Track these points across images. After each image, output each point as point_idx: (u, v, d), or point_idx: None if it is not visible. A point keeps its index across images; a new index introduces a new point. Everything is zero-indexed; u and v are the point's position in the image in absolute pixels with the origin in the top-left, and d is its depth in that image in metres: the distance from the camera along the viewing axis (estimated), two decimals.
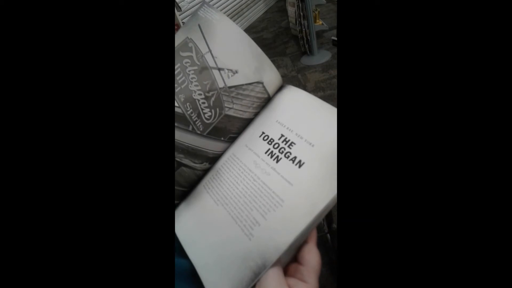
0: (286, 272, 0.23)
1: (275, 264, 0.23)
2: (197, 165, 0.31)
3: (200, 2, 2.73)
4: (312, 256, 0.23)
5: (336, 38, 1.05)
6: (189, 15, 2.55)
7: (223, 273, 0.24)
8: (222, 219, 0.27)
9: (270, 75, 0.31)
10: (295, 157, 0.27)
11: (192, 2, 2.56)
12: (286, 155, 0.28)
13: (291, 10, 2.50)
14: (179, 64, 0.29)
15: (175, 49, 0.30)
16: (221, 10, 3.02)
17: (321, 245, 1.12)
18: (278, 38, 2.99)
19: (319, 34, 2.55)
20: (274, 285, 0.21)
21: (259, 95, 0.31)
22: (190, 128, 0.29)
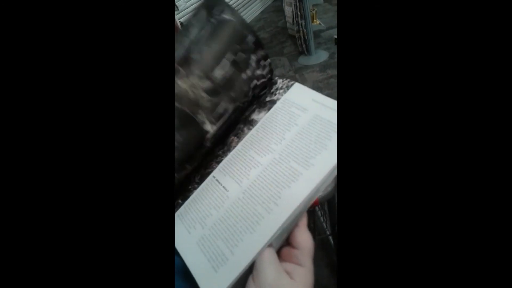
0: (280, 256, 0.23)
1: (268, 248, 0.22)
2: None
3: (198, 1, 2.71)
4: (305, 239, 0.23)
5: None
6: (187, 14, 2.53)
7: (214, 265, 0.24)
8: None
9: None
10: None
11: (189, 1, 2.54)
12: None
13: (288, 10, 2.50)
14: None
15: None
16: None
17: (321, 246, 1.12)
18: (275, 38, 2.98)
19: (317, 34, 2.54)
20: (271, 272, 0.21)
21: None
22: None
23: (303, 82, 2.18)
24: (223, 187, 0.28)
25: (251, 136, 0.30)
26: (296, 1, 2.13)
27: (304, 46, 2.36)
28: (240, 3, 3.34)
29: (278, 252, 0.24)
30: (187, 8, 2.52)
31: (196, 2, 2.63)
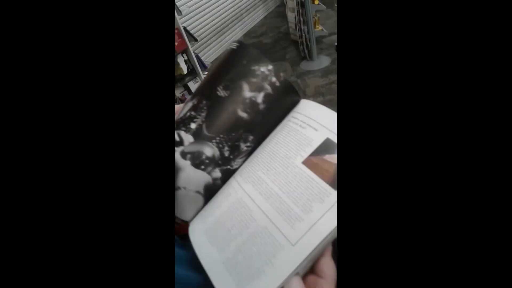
0: (305, 284, 0.24)
1: (295, 276, 0.23)
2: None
3: (201, 6, 2.70)
4: (331, 269, 0.23)
5: None
6: (189, 19, 2.55)
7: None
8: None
9: None
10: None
11: (192, 6, 2.56)
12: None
13: (291, 16, 2.51)
14: None
15: None
16: (221, 15, 2.99)
17: None
18: (278, 43, 3.00)
19: (319, 39, 2.56)
20: None
21: None
22: None
23: (305, 87, 2.18)
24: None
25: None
26: (299, 7, 2.15)
27: (306, 51, 2.37)
28: (243, 9, 3.37)
29: (303, 280, 0.24)
30: (190, 12, 2.54)
31: (200, 7, 2.66)
